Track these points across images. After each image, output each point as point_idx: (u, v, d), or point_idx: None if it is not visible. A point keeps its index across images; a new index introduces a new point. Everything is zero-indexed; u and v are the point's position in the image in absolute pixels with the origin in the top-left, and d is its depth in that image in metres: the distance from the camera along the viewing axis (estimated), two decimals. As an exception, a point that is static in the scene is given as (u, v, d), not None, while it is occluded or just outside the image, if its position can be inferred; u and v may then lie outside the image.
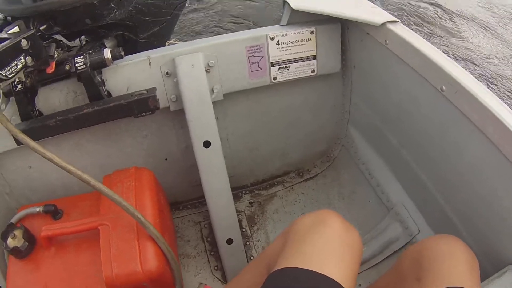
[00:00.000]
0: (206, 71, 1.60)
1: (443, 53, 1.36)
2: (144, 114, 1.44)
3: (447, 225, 1.50)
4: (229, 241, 1.78)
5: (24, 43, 1.18)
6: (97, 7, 1.43)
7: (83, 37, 1.62)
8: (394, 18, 1.55)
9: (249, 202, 2.16)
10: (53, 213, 1.40)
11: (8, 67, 1.14)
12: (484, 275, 1.19)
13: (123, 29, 1.62)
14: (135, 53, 1.57)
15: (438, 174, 1.52)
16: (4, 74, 1.12)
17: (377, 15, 1.58)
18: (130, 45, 1.71)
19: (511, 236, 1.22)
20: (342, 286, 0.92)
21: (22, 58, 1.19)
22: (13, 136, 1.22)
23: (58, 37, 1.52)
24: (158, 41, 1.86)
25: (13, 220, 1.39)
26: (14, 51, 1.17)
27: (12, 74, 1.15)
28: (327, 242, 1.01)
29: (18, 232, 1.29)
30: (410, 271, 1.15)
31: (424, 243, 1.17)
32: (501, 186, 1.21)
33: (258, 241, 2.00)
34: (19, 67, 1.17)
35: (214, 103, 1.67)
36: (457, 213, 1.47)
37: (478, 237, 1.37)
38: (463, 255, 1.08)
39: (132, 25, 1.62)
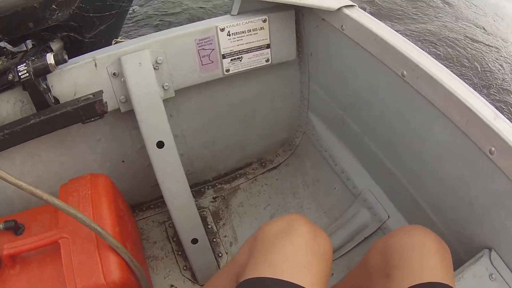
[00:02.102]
0: (155, 68, 1.57)
1: (403, 38, 1.36)
2: (93, 119, 1.42)
3: (417, 210, 1.52)
4: (194, 241, 1.76)
5: None
6: (38, 10, 1.39)
7: (28, 41, 1.58)
8: (351, 3, 1.55)
9: (213, 197, 2.15)
10: (14, 228, 1.36)
11: None
12: (459, 262, 1.20)
13: (67, 30, 1.58)
14: (82, 54, 1.53)
15: (403, 160, 1.53)
16: None
17: (333, 0, 1.56)
18: (77, 46, 1.67)
19: (481, 221, 1.24)
20: None
21: None
22: None
23: (2, 43, 1.48)
24: (106, 39, 1.83)
25: (-26, 241, 1.35)
26: None
27: None
28: (295, 250, 1.00)
29: (-19, 254, 1.25)
30: (378, 267, 1.15)
31: (392, 236, 1.16)
32: (468, 171, 1.22)
33: (225, 236, 1.99)
34: None
35: (166, 100, 1.64)
36: (426, 199, 1.48)
37: (449, 224, 1.38)
38: (433, 246, 1.07)
39: (77, 26, 1.58)
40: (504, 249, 1.18)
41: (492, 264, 1.17)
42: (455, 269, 1.15)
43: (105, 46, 1.58)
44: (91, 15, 1.60)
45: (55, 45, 1.56)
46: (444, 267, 1.03)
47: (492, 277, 1.15)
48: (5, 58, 1.42)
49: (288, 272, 0.94)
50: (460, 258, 1.28)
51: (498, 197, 1.15)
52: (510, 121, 1.10)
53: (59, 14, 1.45)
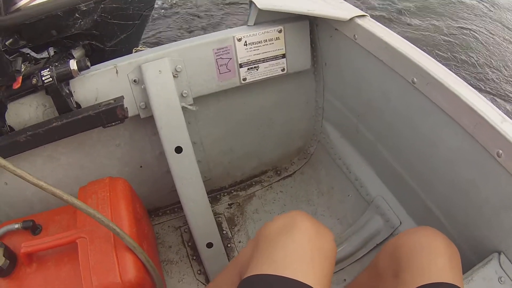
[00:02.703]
0: (174, 76, 1.62)
1: (412, 45, 1.39)
2: (113, 123, 1.47)
3: (429, 216, 1.53)
4: (209, 245, 1.80)
5: None
6: (62, 18, 1.44)
7: (51, 48, 1.63)
8: (362, 13, 1.58)
9: (228, 204, 2.19)
10: (32, 228, 1.41)
11: None
12: (470, 265, 1.21)
13: (89, 39, 1.63)
14: (103, 61, 1.59)
15: (415, 166, 1.55)
16: None
17: (345, 10, 1.60)
18: (98, 54, 1.72)
19: (491, 225, 1.25)
20: None
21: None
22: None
23: (26, 50, 1.52)
24: (126, 48, 1.88)
25: (-7, 238, 1.40)
26: None
27: None
28: (297, 246, 1.00)
29: (-2, 251, 1.30)
30: (387, 267, 1.16)
31: (401, 237, 1.17)
32: (478, 175, 1.24)
33: (239, 242, 2.03)
34: None
35: (184, 107, 1.69)
36: (437, 204, 1.50)
37: (460, 227, 1.40)
38: (442, 247, 1.08)
39: (99, 34, 1.63)
40: None
41: (502, 268, 1.17)
42: (464, 272, 1.16)
43: (125, 55, 1.64)
44: (112, 24, 1.65)
45: (77, 53, 1.61)
46: (452, 267, 1.04)
47: (501, 280, 1.16)
48: (28, 63, 1.47)
49: (290, 269, 0.94)
50: (470, 261, 1.29)
51: (507, 200, 1.16)
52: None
53: (82, 22, 1.50)
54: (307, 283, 0.93)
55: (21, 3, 1.40)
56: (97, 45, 1.67)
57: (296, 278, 0.93)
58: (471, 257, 1.32)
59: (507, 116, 1.13)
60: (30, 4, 1.41)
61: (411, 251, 1.09)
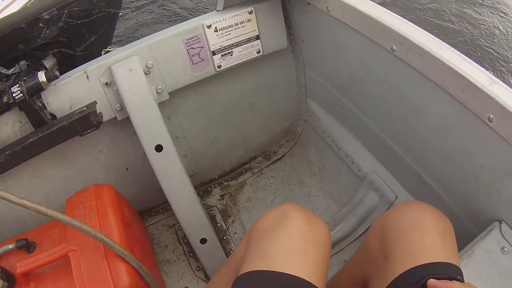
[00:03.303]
0: (146, 73, 1.61)
1: (390, 11, 1.38)
2: (89, 131, 1.46)
3: (424, 188, 1.53)
4: (203, 241, 1.81)
5: None
6: (26, 30, 1.44)
7: (22, 62, 1.62)
8: None
9: (220, 195, 2.20)
10: (26, 247, 1.41)
11: None
12: (472, 237, 1.21)
13: (58, 46, 1.62)
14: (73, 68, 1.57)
15: (404, 137, 1.56)
16: None
17: None
18: (71, 60, 1.71)
19: (488, 192, 1.24)
20: (309, 283, 0.94)
21: None
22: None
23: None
24: (98, 50, 1.86)
25: (-11, 261, 1.41)
26: None
27: None
28: (290, 240, 1.01)
29: (-4, 274, 1.30)
30: (377, 249, 1.14)
31: (388, 215, 1.15)
32: (470, 141, 1.23)
33: (235, 233, 2.04)
34: None
35: (161, 103, 1.68)
36: (431, 175, 1.50)
37: (457, 198, 1.40)
38: (432, 223, 1.05)
39: (67, 40, 1.62)
40: None
41: (504, 237, 1.17)
42: (465, 245, 1.16)
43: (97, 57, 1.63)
44: (80, 28, 1.63)
45: (49, 62, 1.60)
46: (445, 244, 1.01)
47: (504, 251, 1.15)
48: (-1, 81, 1.47)
49: (284, 263, 0.95)
50: (471, 232, 1.28)
51: (503, 166, 1.16)
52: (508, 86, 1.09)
53: (47, 31, 1.50)
54: (301, 276, 0.93)
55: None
56: (67, 51, 1.66)
57: (289, 272, 0.93)
58: (472, 228, 1.32)
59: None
60: None
61: (400, 229, 1.07)
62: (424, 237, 1.02)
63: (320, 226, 1.08)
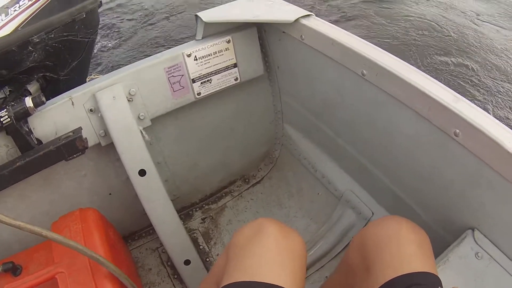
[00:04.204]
0: (129, 100, 1.63)
1: (360, 38, 1.43)
2: (75, 155, 1.48)
3: (399, 204, 1.57)
4: (187, 262, 1.83)
5: None
6: (16, 53, 1.47)
7: (6, 87, 1.63)
8: (307, 12, 1.62)
9: (201, 219, 2.21)
10: (12, 270, 1.41)
11: None
12: (446, 246, 1.24)
13: (43, 71, 1.65)
14: (59, 92, 1.59)
15: (377, 157, 1.60)
16: None
17: (290, 13, 1.64)
18: (53, 86, 1.73)
19: (459, 203, 1.28)
20: None
21: None
22: None
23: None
24: (79, 75, 1.88)
25: (-24, 286, 1.40)
26: None
27: None
28: (266, 251, 1.03)
29: (-16, 298, 1.30)
30: (358, 262, 1.16)
31: (367, 230, 1.18)
32: (439, 157, 1.27)
33: (217, 255, 2.05)
34: None
35: (144, 129, 1.70)
36: (405, 191, 1.54)
37: (431, 211, 1.44)
38: (409, 235, 1.08)
39: (52, 64, 1.65)
40: (486, 227, 1.22)
41: (477, 243, 1.20)
42: (440, 253, 1.19)
43: (78, 82, 1.64)
44: (64, 52, 1.65)
45: (32, 87, 1.62)
46: (422, 255, 1.04)
47: (478, 256, 1.18)
48: (-16, 107, 1.48)
49: (261, 273, 0.97)
50: (447, 242, 1.30)
51: (471, 177, 1.19)
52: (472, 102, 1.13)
53: (36, 54, 1.52)
54: (279, 285, 0.95)
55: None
56: (51, 76, 1.69)
57: (268, 281, 0.95)
58: (447, 237, 1.36)
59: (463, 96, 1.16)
60: None
61: (378, 243, 1.10)
62: (402, 249, 1.05)
63: (295, 238, 1.11)
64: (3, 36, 1.44)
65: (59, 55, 1.65)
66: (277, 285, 0.95)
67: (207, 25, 1.70)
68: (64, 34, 1.64)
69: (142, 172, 1.66)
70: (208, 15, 1.70)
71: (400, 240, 1.07)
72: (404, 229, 1.09)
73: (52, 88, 1.69)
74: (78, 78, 1.90)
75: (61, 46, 1.63)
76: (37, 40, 1.52)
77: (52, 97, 1.55)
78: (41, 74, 1.64)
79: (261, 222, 1.12)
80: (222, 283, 1.01)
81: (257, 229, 1.10)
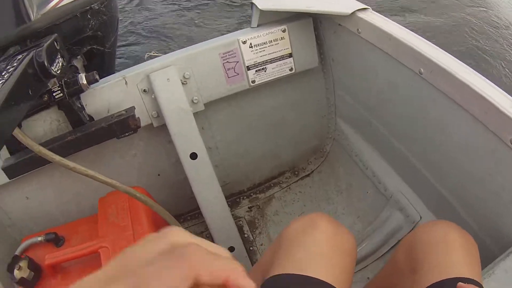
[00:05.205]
0: (183, 83, 1.63)
1: (417, 35, 1.38)
2: (127, 134, 1.48)
3: (447, 209, 1.51)
4: (231, 249, 1.82)
5: (56, 43, 1.24)
6: (80, 19, 1.49)
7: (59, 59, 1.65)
8: (364, 6, 1.58)
9: (248, 207, 2.20)
10: (55, 241, 1.44)
11: (54, 64, 1.18)
12: (493, 258, 1.16)
13: (92, 42, 1.66)
14: (103, 66, 1.61)
15: (429, 157, 1.54)
16: (54, 70, 1.16)
17: (347, 5, 1.60)
18: (98, 59, 1.76)
19: (509, 213, 1.23)
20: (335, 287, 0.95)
21: (59, 56, 1.24)
22: (35, 153, 1.30)
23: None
24: (114, 49, 1.91)
25: (17, 252, 1.43)
26: (54, 49, 1.22)
27: (58, 71, 1.19)
28: (318, 246, 1.03)
29: (23, 263, 1.32)
30: (405, 263, 1.15)
31: (417, 233, 1.16)
32: (492, 162, 1.22)
33: (261, 245, 2.03)
34: (59, 65, 1.22)
35: (196, 113, 1.70)
36: (454, 195, 1.48)
37: (479, 219, 1.37)
38: (458, 240, 1.06)
39: (101, 35, 1.66)
40: None
41: None
42: (486, 265, 1.13)
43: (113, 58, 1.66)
44: (109, 24, 1.68)
45: (78, 63, 1.64)
46: (469, 261, 1.03)
47: None
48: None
49: (311, 268, 0.97)
50: (493, 254, 1.25)
51: None
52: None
53: (93, 23, 1.55)
54: (327, 281, 0.95)
55: (48, 7, 1.41)
56: (98, 48, 1.69)
57: (316, 277, 0.95)
58: (493, 249, 1.30)
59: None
60: (57, 6, 1.43)
61: (427, 246, 1.08)
62: (450, 253, 1.03)
63: (347, 236, 1.11)
64: (71, 1, 1.46)
65: (107, 27, 1.67)
66: (325, 282, 0.95)
67: (263, 13, 1.69)
68: (109, 6, 1.66)
69: (193, 156, 1.66)
70: (264, 3, 1.68)
71: (449, 245, 1.05)
72: (454, 235, 1.08)
73: (97, 62, 1.70)
74: (113, 54, 1.93)
75: (106, 18, 1.64)
76: (96, 8, 1.54)
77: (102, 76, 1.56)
78: (89, 47, 1.65)
79: (315, 216, 1.12)
80: (270, 273, 1.01)
81: (310, 223, 1.10)
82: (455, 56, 1.27)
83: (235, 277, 0.42)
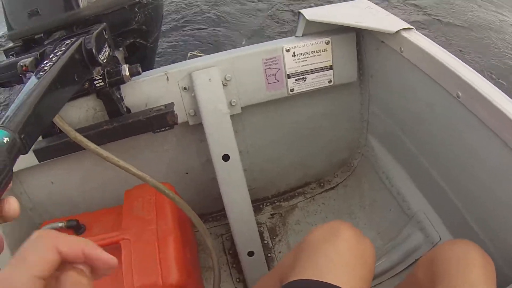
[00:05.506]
0: (223, 85, 1.63)
1: (457, 58, 1.38)
2: (163, 129, 1.48)
3: (468, 233, 1.50)
4: (250, 254, 1.81)
5: (104, 32, 1.26)
6: (127, 11, 1.50)
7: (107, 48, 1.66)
8: (409, 26, 1.57)
9: (270, 214, 2.19)
10: (76, 228, 1.44)
11: (102, 52, 1.20)
12: (507, 283, 1.19)
13: (136, 36, 1.66)
14: (144, 61, 1.61)
15: (457, 181, 1.53)
16: (101, 58, 1.18)
17: (392, 23, 1.60)
18: (140, 52, 1.76)
19: None
20: None
21: (106, 46, 1.25)
22: (70, 138, 1.32)
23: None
24: (156, 45, 1.91)
25: (35, 235, 1.43)
26: (102, 38, 1.23)
27: (105, 60, 1.20)
28: (339, 254, 1.03)
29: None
30: (424, 279, 1.15)
31: (437, 250, 1.17)
32: None
33: (279, 252, 2.03)
34: (106, 54, 1.23)
35: (232, 116, 1.70)
36: (477, 220, 1.47)
37: (499, 244, 1.37)
38: (477, 259, 1.07)
39: (146, 30, 1.67)
40: None
41: None
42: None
43: (154, 54, 1.66)
44: (154, 19, 1.69)
45: (119, 55, 1.63)
46: (487, 280, 1.03)
47: None
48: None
49: (331, 275, 0.97)
50: (508, 280, 1.27)
51: None
52: None
53: (139, 16, 1.55)
54: None
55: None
56: (140, 42, 1.69)
57: (337, 284, 0.94)
58: (509, 275, 1.30)
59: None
60: None
61: (447, 263, 1.09)
62: (469, 271, 1.04)
63: (368, 245, 1.12)
64: None
65: (151, 22, 1.67)
66: None
67: (309, 23, 1.68)
68: (156, 2, 1.67)
69: (226, 157, 1.66)
70: (311, 13, 1.68)
71: (468, 262, 1.06)
72: (474, 253, 1.09)
73: (138, 56, 1.71)
74: (155, 49, 1.94)
75: (153, 13, 1.65)
76: (145, 2, 1.55)
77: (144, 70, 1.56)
78: (132, 40, 1.65)
79: (338, 224, 1.13)
80: (291, 278, 1.01)
81: (333, 231, 1.10)
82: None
83: (89, 248, 0.50)
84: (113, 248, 1.33)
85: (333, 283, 0.94)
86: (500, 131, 1.20)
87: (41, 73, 0.93)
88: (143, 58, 1.72)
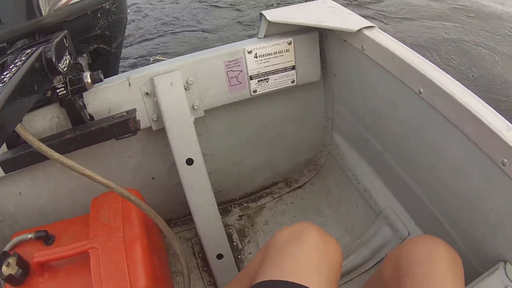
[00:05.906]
0: (186, 89, 1.62)
1: (419, 55, 1.39)
2: (126, 136, 1.47)
3: (436, 226, 1.52)
4: (219, 256, 1.80)
5: (65, 40, 1.24)
6: (90, 18, 1.48)
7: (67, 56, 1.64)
8: (371, 24, 1.58)
9: (239, 216, 2.18)
10: (45, 238, 1.41)
11: (62, 61, 1.17)
12: (476, 276, 1.19)
13: (99, 41, 1.65)
14: (107, 66, 1.59)
15: (421, 176, 1.55)
16: (61, 67, 1.14)
17: (354, 22, 1.61)
18: (103, 58, 1.74)
19: (496, 234, 1.23)
20: None
21: (67, 54, 1.23)
22: (34, 148, 1.27)
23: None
24: (120, 50, 1.89)
25: (6, 248, 1.40)
26: (62, 46, 1.21)
27: (65, 68, 1.17)
28: (305, 254, 1.03)
29: (11, 260, 1.29)
30: (390, 277, 1.16)
31: (402, 247, 1.17)
32: (483, 184, 1.22)
33: (249, 254, 2.02)
34: (67, 62, 1.20)
35: (195, 119, 1.68)
36: (443, 213, 1.48)
37: (466, 237, 1.38)
38: (443, 255, 1.07)
39: (109, 35, 1.65)
40: None
41: (508, 277, 1.15)
42: (470, 282, 1.15)
43: (118, 60, 1.64)
44: (118, 24, 1.67)
45: (83, 61, 1.62)
46: (453, 276, 1.04)
47: None
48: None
49: (298, 275, 0.97)
50: (477, 271, 1.28)
51: None
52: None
53: (102, 22, 1.53)
54: None
55: (60, 3, 1.39)
56: (104, 47, 1.68)
57: (304, 284, 0.95)
58: (477, 267, 1.31)
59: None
60: (70, 3, 1.41)
61: (412, 260, 1.10)
62: (434, 267, 1.05)
63: (334, 246, 1.11)
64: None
65: (115, 28, 1.66)
66: None
67: (271, 24, 1.68)
68: (120, 7, 1.65)
69: (189, 161, 1.65)
70: (272, 14, 1.68)
71: (433, 259, 1.07)
72: (439, 249, 1.10)
73: (102, 61, 1.69)
74: (119, 54, 1.92)
75: (116, 19, 1.63)
76: (107, 8, 1.54)
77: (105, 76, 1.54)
78: (96, 46, 1.63)
79: (304, 226, 1.13)
80: (257, 279, 1.01)
81: (299, 232, 1.10)
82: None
83: None
84: (82, 257, 1.31)
85: (300, 283, 0.94)
86: (460, 124, 1.22)
87: (0, 84, 0.91)
88: (107, 64, 1.71)
